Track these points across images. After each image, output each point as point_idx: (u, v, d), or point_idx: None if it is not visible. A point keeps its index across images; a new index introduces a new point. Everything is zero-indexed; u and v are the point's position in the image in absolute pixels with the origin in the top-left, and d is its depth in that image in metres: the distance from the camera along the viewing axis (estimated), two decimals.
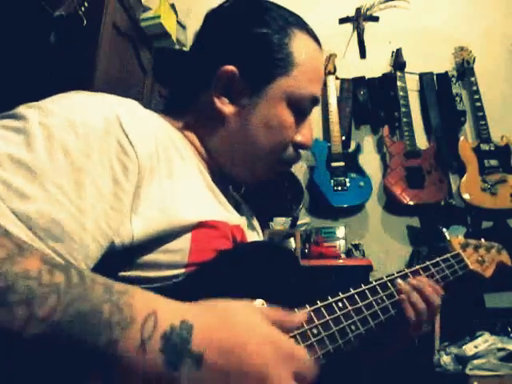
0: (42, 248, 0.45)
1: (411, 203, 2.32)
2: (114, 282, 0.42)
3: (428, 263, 0.88)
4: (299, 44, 0.73)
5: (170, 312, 0.43)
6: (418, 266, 0.85)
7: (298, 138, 0.76)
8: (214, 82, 0.72)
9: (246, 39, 0.73)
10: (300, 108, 0.74)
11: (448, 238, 1.01)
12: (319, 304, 0.63)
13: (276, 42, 0.72)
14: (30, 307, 0.35)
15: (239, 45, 0.73)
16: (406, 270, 0.82)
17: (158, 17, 2.19)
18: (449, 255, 0.93)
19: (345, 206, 2.37)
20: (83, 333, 0.37)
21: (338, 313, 0.65)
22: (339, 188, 2.37)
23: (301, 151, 0.79)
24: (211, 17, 0.79)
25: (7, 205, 0.44)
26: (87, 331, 0.37)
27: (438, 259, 0.90)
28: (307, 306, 0.62)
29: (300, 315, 0.55)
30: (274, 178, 0.81)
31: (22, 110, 0.52)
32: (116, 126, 0.55)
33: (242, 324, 0.45)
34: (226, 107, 0.72)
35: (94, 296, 0.39)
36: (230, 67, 0.70)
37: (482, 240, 1.06)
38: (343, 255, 2.19)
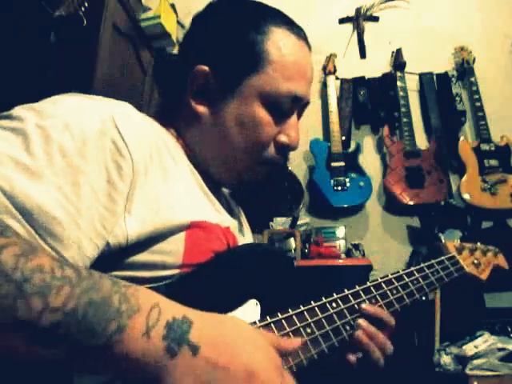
0: (41, 245, 0.46)
1: (411, 203, 2.31)
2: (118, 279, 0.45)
3: (423, 265, 0.89)
4: (274, 40, 0.71)
5: (173, 307, 0.46)
6: (412, 268, 0.87)
7: (282, 138, 0.73)
8: (189, 83, 0.72)
9: (217, 38, 0.72)
10: (278, 107, 0.71)
11: (443, 241, 1.03)
12: (313, 304, 0.64)
13: (248, 39, 0.71)
14: (45, 298, 0.38)
15: (211, 44, 0.73)
16: (401, 272, 0.83)
17: (158, 17, 2.20)
18: (444, 258, 0.96)
19: (345, 205, 2.37)
20: (95, 320, 0.40)
21: (331, 311, 0.66)
22: (339, 188, 2.37)
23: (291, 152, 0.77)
24: (194, 19, 0.79)
25: (10, 201, 0.45)
26: (99, 318, 0.40)
27: (432, 261, 0.92)
28: (301, 306, 0.63)
29: (295, 341, 0.56)
30: (260, 180, 0.77)
31: (18, 111, 0.53)
32: (111, 127, 0.55)
33: (238, 332, 0.48)
34: (201, 107, 0.72)
35: (103, 287, 0.42)
36: (202, 67, 0.71)
37: (478, 243, 1.07)
38: (343, 255, 2.19)
